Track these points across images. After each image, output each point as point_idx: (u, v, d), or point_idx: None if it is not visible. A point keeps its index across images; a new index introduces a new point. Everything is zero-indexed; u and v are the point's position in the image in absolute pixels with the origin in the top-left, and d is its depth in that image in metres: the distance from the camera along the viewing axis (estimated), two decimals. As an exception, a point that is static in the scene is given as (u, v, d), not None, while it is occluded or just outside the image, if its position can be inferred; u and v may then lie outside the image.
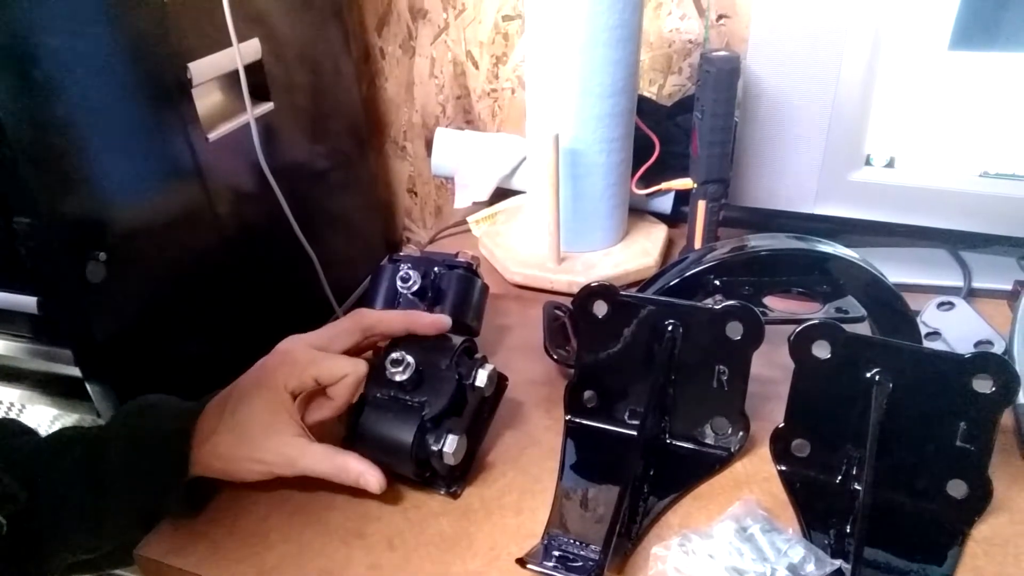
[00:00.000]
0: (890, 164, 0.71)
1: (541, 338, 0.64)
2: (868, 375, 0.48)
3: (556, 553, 0.47)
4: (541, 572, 0.45)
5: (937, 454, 0.48)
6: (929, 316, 0.66)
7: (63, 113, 0.59)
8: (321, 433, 0.52)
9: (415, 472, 0.51)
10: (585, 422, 0.57)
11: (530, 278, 0.77)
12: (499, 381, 0.57)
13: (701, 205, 0.74)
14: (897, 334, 0.57)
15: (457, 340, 0.55)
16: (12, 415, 0.75)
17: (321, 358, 0.52)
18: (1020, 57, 0.62)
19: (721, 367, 0.53)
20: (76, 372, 0.66)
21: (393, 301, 0.63)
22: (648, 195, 0.81)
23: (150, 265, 0.68)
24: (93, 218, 0.62)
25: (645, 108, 0.87)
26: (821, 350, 0.49)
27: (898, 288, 0.57)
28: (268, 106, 0.83)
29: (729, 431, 0.54)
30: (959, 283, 0.72)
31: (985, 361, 0.45)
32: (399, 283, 0.62)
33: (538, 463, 0.55)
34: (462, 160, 0.94)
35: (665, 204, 0.87)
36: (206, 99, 0.76)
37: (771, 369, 0.56)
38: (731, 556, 0.44)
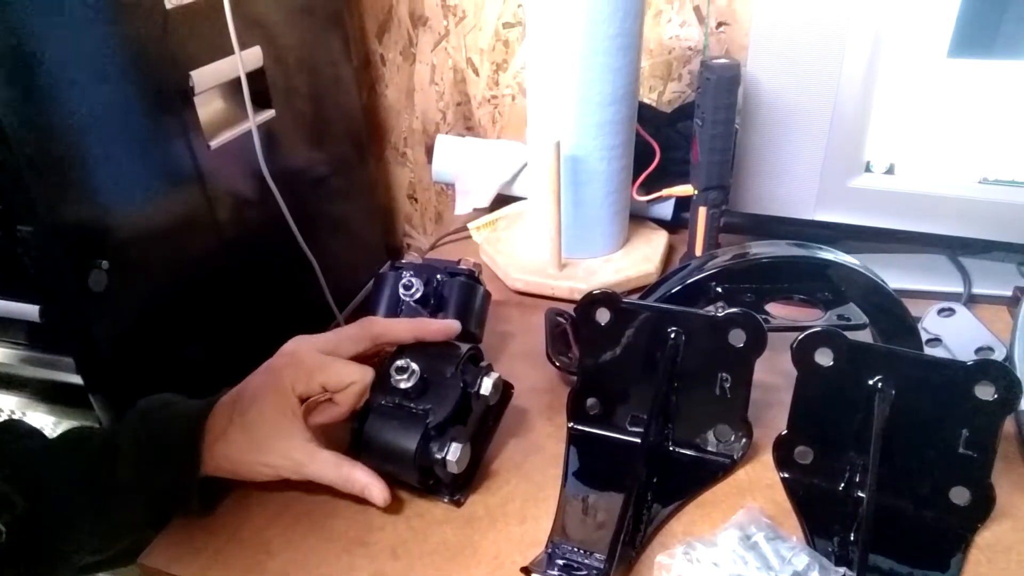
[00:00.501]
0: (890, 171, 0.71)
1: (543, 345, 0.64)
2: (870, 382, 0.48)
3: (560, 562, 0.47)
4: (545, 581, 0.45)
5: (940, 461, 0.48)
6: (930, 322, 0.66)
7: (65, 121, 0.59)
8: (328, 439, 0.52)
9: (419, 480, 0.51)
10: (588, 429, 0.57)
11: (531, 285, 0.77)
12: (504, 389, 0.57)
13: (702, 211, 0.74)
14: (898, 341, 0.57)
15: (463, 348, 0.56)
16: (13, 422, 0.75)
17: (328, 363, 0.52)
18: (1018, 65, 0.63)
19: (724, 374, 0.53)
20: (78, 380, 0.66)
21: (395, 308, 0.63)
22: (649, 201, 0.81)
23: (152, 273, 0.68)
24: (95, 226, 0.62)
25: (645, 115, 0.87)
26: (824, 358, 0.49)
27: (898, 294, 0.58)
28: (270, 113, 0.83)
29: (732, 438, 0.54)
30: (959, 289, 0.72)
31: (987, 368, 0.46)
32: (402, 290, 0.62)
33: (541, 471, 0.55)
34: (463, 167, 0.94)
35: (666, 210, 0.87)
36: (208, 107, 0.76)
37: (773, 376, 0.57)
38: (735, 564, 0.44)
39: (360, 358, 0.55)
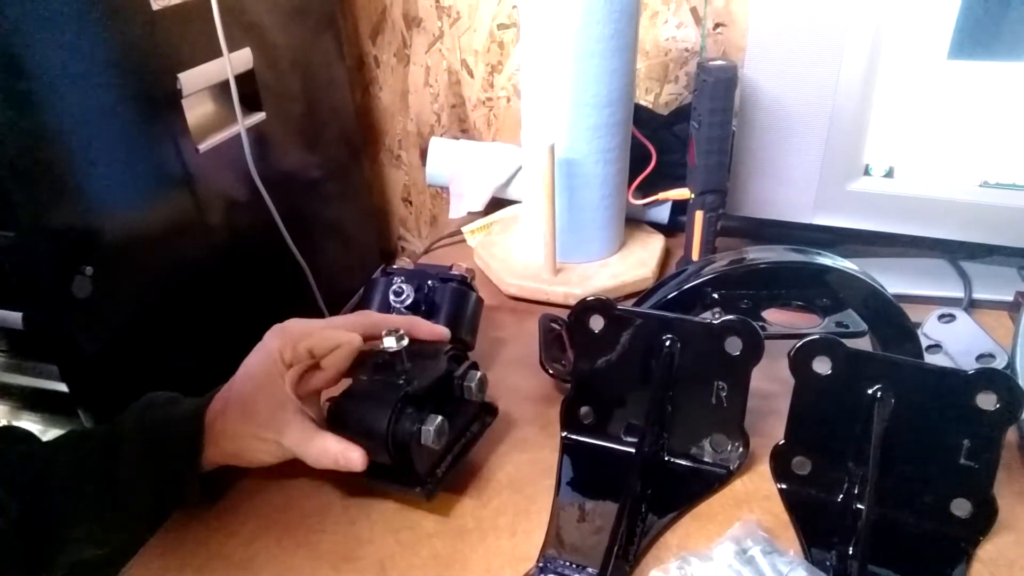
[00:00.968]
0: (889, 174, 0.70)
1: (537, 351, 0.63)
2: (870, 391, 0.47)
3: (552, 576, 0.46)
4: (537, 596, 0.44)
5: (941, 472, 0.47)
6: (930, 328, 0.65)
7: (49, 124, 0.58)
8: (320, 418, 0.52)
9: (391, 457, 0.49)
10: (582, 439, 0.56)
11: (525, 290, 0.76)
12: (489, 409, 0.56)
13: (698, 215, 0.73)
14: (898, 347, 0.56)
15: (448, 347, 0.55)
16: (-1, 430, 0.74)
17: (316, 329, 0.52)
18: (1019, 67, 0.62)
19: (720, 383, 0.52)
20: (63, 387, 0.65)
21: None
22: (645, 205, 0.80)
23: (138, 278, 0.67)
24: (79, 231, 0.61)
25: (642, 117, 0.86)
26: (822, 366, 0.48)
27: (898, 299, 0.57)
28: (260, 116, 0.82)
29: (728, 448, 0.53)
30: (960, 294, 0.71)
31: (989, 377, 0.44)
32: (392, 297, 0.61)
33: (534, 482, 0.53)
34: (457, 170, 0.93)
35: (662, 214, 0.86)
36: (197, 109, 0.75)
37: (771, 383, 0.55)
38: (731, 579, 0.43)
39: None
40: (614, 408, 0.55)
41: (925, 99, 0.65)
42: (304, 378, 0.52)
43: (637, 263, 0.78)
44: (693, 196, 0.73)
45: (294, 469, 0.55)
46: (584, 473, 0.54)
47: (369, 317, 0.56)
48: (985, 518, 0.47)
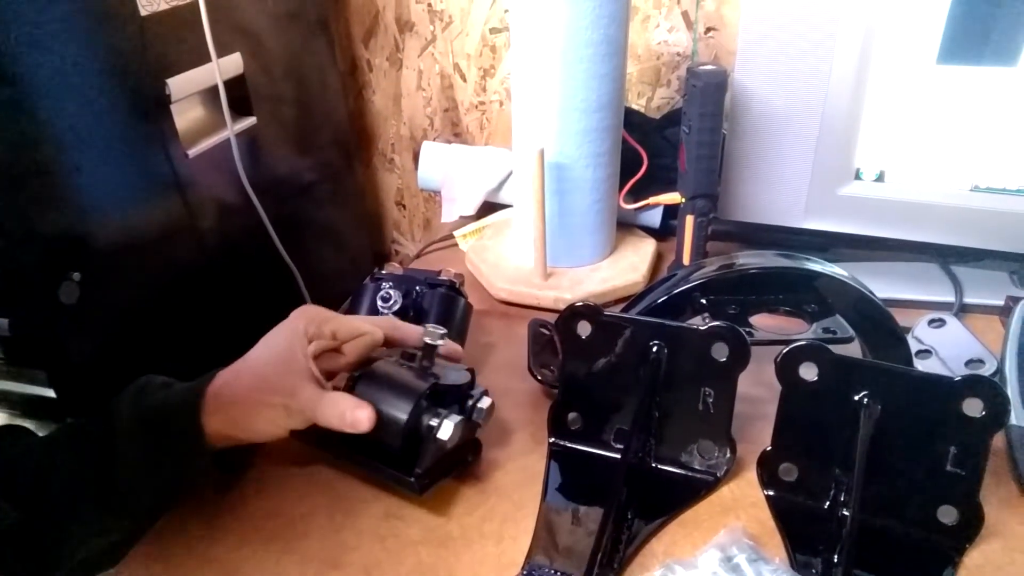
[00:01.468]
0: (880, 178, 0.70)
1: (526, 357, 0.63)
2: (856, 398, 0.47)
3: (537, 583, 0.46)
4: (521, 604, 0.44)
5: (927, 479, 0.47)
6: (921, 333, 0.65)
7: (37, 130, 0.58)
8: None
9: (402, 443, 0.49)
10: (569, 445, 0.56)
11: (516, 294, 0.76)
12: (474, 448, 0.56)
13: (689, 220, 0.73)
14: (888, 352, 0.56)
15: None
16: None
17: (341, 315, 0.54)
18: (1007, 71, 0.62)
19: (707, 389, 0.52)
20: (50, 393, 0.64)
21: (374, 321, 0.62)
22: (636, 209, 0.80)
23: (127, 284, 0.67)
24: (67, 237, 0.61)
25: (633, 121, 0.86)
26: (808, 372, 0.48)
27: (889, 303, 0.56)
28: (250, 121, 0.82)
29: (716, 454, 0.53)
30: (950, 298, 0.71)
31: (975, 384, 0.44)
32: (380, 303, 0.61)
33: (521, 488, 0.53)
34: (449, 174, 0.93)
35: (654, 218, 0.86)
36: (186, 114, 0.75)
37: (758, 388, 0.55)
38: (716, 587, 0.43)
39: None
40: (602, 414, 0.55)
41: (915, 104, 0.65)
42: (322, 357, 0.52)
43: (628, 268, 0.78)
44: (684, 201, 0.73)
45: (282, 474, 0.55)
46: (571, 479, 0.54)
47: (391, 320, 0.58)
48: (972, 525, 0.47)
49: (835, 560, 0.45)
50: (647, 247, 0.82)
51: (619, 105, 0.73)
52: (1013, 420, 0.53)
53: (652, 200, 0.77)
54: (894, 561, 0.47)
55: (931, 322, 0.65)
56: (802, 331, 0.55)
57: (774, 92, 0.69)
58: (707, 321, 0.52)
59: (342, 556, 0.49)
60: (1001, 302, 0.69)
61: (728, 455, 0.53)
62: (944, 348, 0.63)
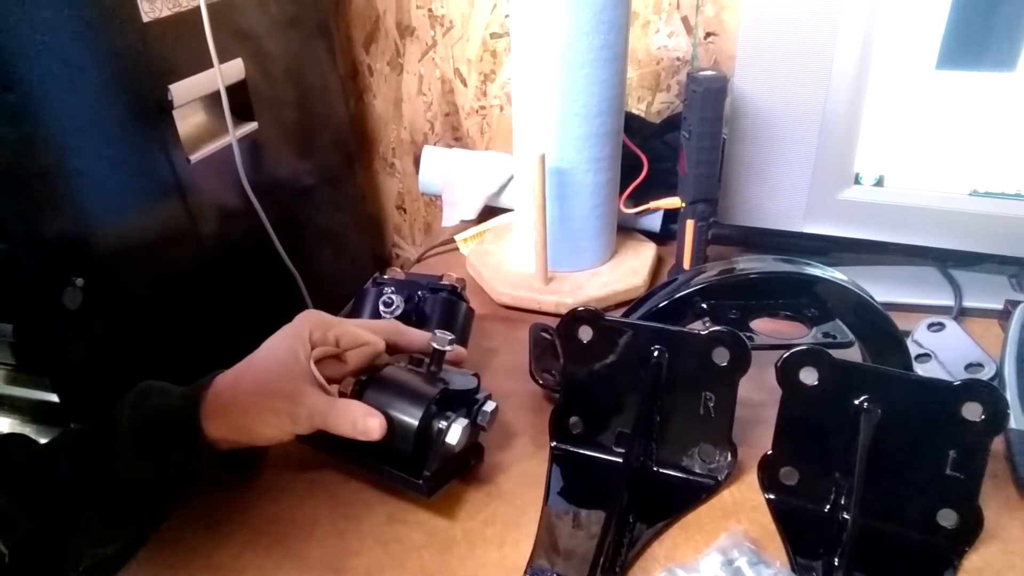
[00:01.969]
0: (879, 183, 0.70)
1: (527, 361, 0.63)
2: (856, 402, 0.47)
3: (540, 587, 0.46)
4: (523, 608, 0.44)
5: (927, 483, 0.47)
6: (920, 337, 0.65)
7: (40, 135, 0.58)
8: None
9: (412, 448, 0.49)
10: (571, 449, 0.56)
11: (517, 298, 0.76)
12: (477, 452, 0.56)
13: (689, 224, 0.74)
14: (888, 357, 0.56)
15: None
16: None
17: (346, 322, 0.53)
18: (1005, 77, 0.62)
19: (708, 393, 0.52)
20: (54, 398, 0.65)
21: (376, 326, 0.62)
22: (637, 214, 0.80)
23: (130, 289, 0.68)
24: (70, 243, 0.61)
25: (633, 126, 0.86)
26: (808, 376, 0.48)
27: (888, 308, 0.57)
28: (252, 126, 0.82)
29: (717, 458, 0.53)
30: (950, 302, 0.71)
31: (974, 388, 0.45)
32: (382, 307, 0.61)
33: (522, 492, 0.54)
34: (449, 178, 0.93)
35: (654, 222, 0.86)
36: (189, 120, 0.75)
37: (759, 392, 0.56)
38: (717, 591, 0.43)
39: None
40: (603, 418, 0.55)
41: (914, 109, 0.66)
42: (323, 364, 0.52)
43: (629, 272, 0.79)
44: (684, 205, 0.73)
45: (285, 478, 0.55)
46: (573, 483, 0.54)
47: (396, 325, 0.58)
48: (971, 528, 0.47)
49: (835, 563, 0.45)
50: (648, 251, 0.82)
51: (619, 110, 0.73)
52: (1012, 424, 0.53)
53: (652, 204, 0.77)
54: (894, 564, 0.47)
55: (930, 326, 0.66)
56: (802, 336, 0.55)
57: (774, 97, 0.69)
58: (708, 326, 0.53)
59: (345, 561, 0.49)
60: (1000, 306, 0.69)
61: (729, 459, 0.53)
62: (943, 352, 0.63)
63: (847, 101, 0.67)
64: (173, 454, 0.48)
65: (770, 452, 0.51)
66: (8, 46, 0.55)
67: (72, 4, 0.59)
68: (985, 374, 0.59)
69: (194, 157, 0.73)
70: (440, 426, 0.50)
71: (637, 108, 0.97)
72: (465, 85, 1.04)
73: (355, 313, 0.63)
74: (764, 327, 0.57)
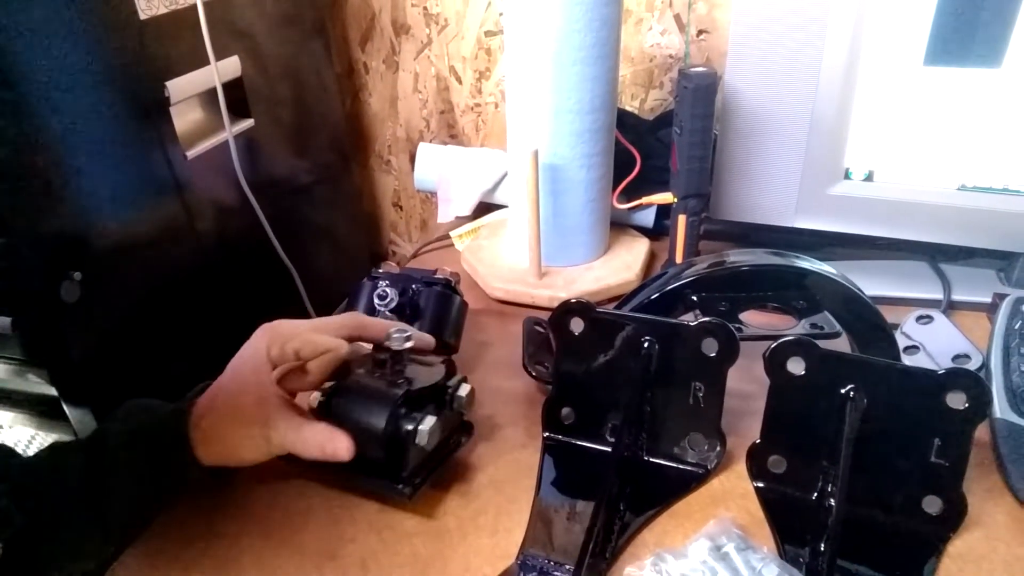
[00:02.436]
0: (869, 178, 0.71)
1: (520, 354, 0.64)
2: (843, 391, 0.48)
3: (532, 574, 0.47)
4: (515, 593, 0.45)
5: (912, 470, 0.48)
6: (909, 329, 0.66)
7: (37, 131, 0.58)
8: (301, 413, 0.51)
9: (385, 454, 0.50)
10: (563, 439, 0.57)
11: (511, 293, 0.77)
12: (466, 429, 0.57)
13: (681, 219, 0.74)
14: (876, 349, 0.57)
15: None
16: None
17: (304, 331, 0.52)
18: (992, 73, 0.63)
19: (697, 383, 0.53)
20: (52, 392, 0.65)
21: (371, 319, 0.63)
22: (630, 209, 0.81)
23: (127, 284, 0.68)
24: (68, 237, 0.62)
25: (627, 122, 0.87)
26: (796, 366, 0.49)
27: (878, 301, 0.57)
28: (248, 123, 0.83)
29: (706, 447, 0.54)
30: (939, 296, 0.72)
31: (958, 377, 0.45)
32: (376, 300, 0.62)
33: (515, 482, 0.54)
34: (445, 175, 0.94)
35: (647, 217, 0.87)
36: (185, 116, 0.76)
37: (749, 384, 0.56)
38: (705, 575, 0.44)
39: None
40: (595, 409, 0.56)
41: (903, 105, 0.67)
42: (287, 378, 0.53)
43: (622, 267, 0.79)
44: (676, 200, 0.74)
45: (280, 470, 0.56)
46: (565, 473, 0.55)
47: (358, 319, 0.57)
48: (955, 515, 0.48)
49: (822, 549, 0.46)
50: (640, 246, 0.83)
51: (612, 107, 0.74)
52: (998, 413, 0.54)
53: (645, 200, 0.78)
54: (879, 549, 0.48)
55: (919, 319, 0.66)
56: (791, 327, 0.56)
57: (764, 94, 0.70)
58: (698, 317, 0.53)
59: (339, 548, 0.50)
60: (988, 299, 0.70)
61: (718, 448, 0.54)
62: (932, 344, 0.64)
63: (837, 97, 0.68)
64: (165, 463, 0.49)
65: (758, 441, 0.52)
66: (6, 44, 0.55)
67: (69, 2, 0.60)
68: (972, 365, 0.60)
69: (191, 153, 0.74)
70: (408, 428, 0.49)
71: (631, 105, 0.98)
72: (460, 83, 1.05)
73: (350, 307, 0.64)
74: (753, 319, 0.58)
